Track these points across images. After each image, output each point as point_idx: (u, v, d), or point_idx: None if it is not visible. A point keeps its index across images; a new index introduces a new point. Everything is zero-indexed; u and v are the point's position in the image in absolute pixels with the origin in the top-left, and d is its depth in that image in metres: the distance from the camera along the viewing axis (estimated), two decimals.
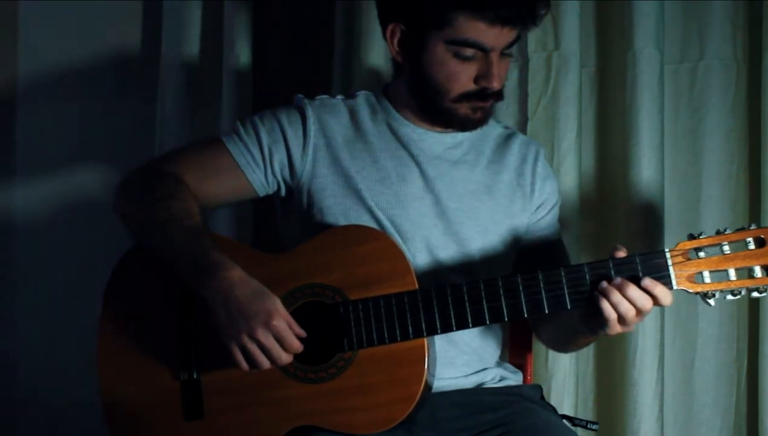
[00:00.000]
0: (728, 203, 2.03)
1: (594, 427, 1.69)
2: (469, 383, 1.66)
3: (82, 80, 2.45)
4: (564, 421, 1.67)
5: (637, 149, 1.97)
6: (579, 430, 1.69)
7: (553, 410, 1.71)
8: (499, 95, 1.62)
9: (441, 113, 1.64)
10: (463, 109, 1.62)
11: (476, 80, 1.59)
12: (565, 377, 2.02)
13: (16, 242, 2.50)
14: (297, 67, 2.32)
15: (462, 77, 1.59)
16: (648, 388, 1.96)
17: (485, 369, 1.68)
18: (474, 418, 1.60)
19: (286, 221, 1.74)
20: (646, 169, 1.96)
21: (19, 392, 2.48)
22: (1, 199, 2.51)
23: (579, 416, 1.75)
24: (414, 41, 1.60)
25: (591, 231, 2.07)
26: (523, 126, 2.05)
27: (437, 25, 1.56)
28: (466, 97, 1.61)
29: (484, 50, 1.57)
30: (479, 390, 1.65)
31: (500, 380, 1.69)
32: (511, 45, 1.59)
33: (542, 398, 1.73)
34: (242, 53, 2.24)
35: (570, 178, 2.01)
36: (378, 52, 2.11)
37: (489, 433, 1.57)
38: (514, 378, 1.73)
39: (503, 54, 1.59)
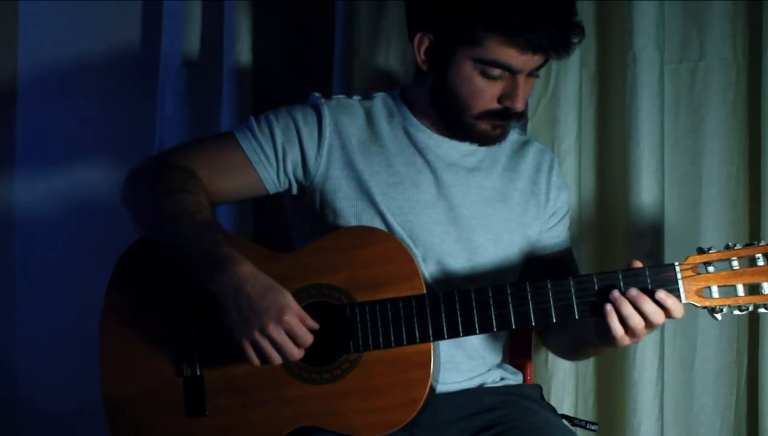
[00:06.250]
0: (728, 203, 2.02)
1: (593, 427, 1.69)
2: (472, 384, 1.66)
3: (82, 80, 2.45)
4: (563, 421, 1.67)
5: (637, 149, 1.97)
6: (578, 430, 1.69)
7: (553, 409, 1.71)
8: (521, 115, 1.61)
9: (460, 127, 1.63)
10: (483, 125, 1.61)
11: (500, 99, 1.58)
12: (565, 377, 2.01)
13: (16, 241, 2.49)
14: (297, 67, 2.32)
15: (486, 95, 1.58)
16: (648, 388, 1.96)
17: (488, 370, 1.69)
18: (475, 418, 1.60)
19: (296, 218, 1.73)
20: (646, 170, 1.96)
21: (20, 391, 2.49)
22: (1, 199, 2.51)
23: (579, 416, 1.75)
24: (442, 54, 1.59)
25: (590, 231, 2.07)
26: (523, 126, 2.04)
27: (467, 43, 1.54)
28: (488, 115, 1.60)
29: (512, 72, 1.56)
30: (480, 390, 1.66)
31: (500, 380, 1.70)
32: (539, 68, 1.58)
33: (542, 397, 1.74)
34: (242, 53, 2.24)
35: (570, 179, 2.01)
36: (378, 51, 2.11)
37: (489, 432, 1.57)
38: (514, 378, 1.73)
39: (529, 74, 1.58)
